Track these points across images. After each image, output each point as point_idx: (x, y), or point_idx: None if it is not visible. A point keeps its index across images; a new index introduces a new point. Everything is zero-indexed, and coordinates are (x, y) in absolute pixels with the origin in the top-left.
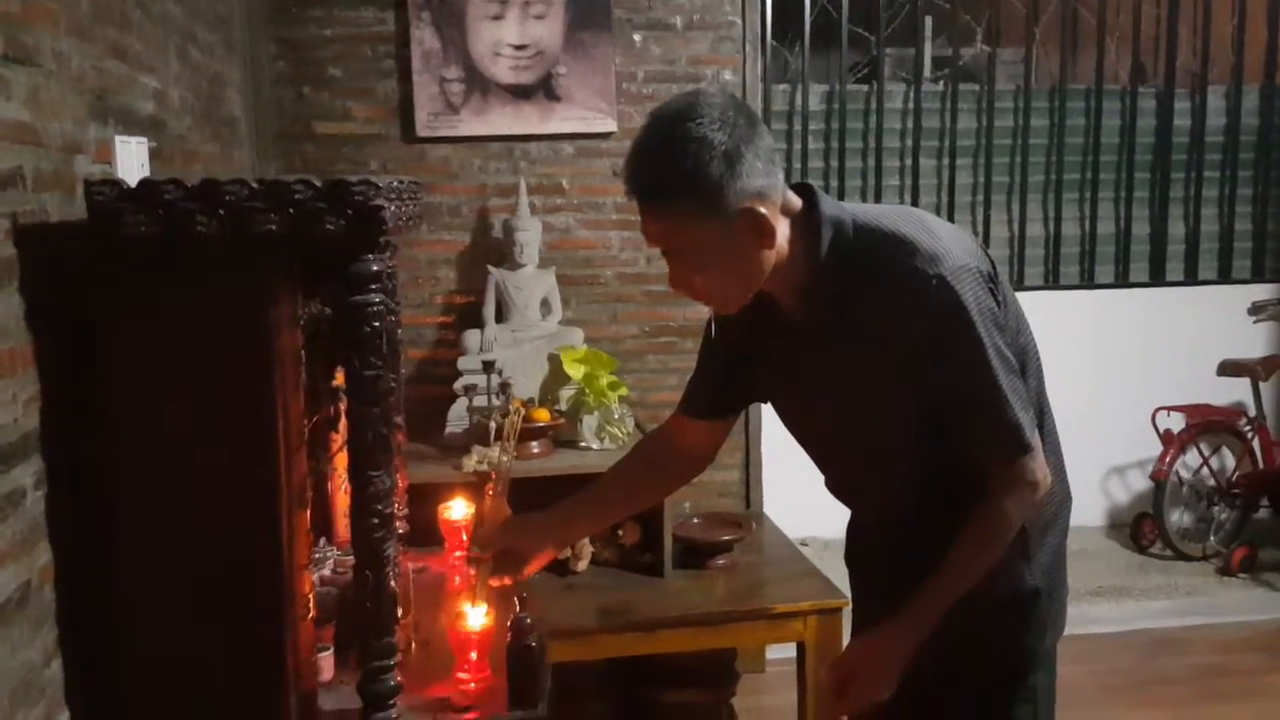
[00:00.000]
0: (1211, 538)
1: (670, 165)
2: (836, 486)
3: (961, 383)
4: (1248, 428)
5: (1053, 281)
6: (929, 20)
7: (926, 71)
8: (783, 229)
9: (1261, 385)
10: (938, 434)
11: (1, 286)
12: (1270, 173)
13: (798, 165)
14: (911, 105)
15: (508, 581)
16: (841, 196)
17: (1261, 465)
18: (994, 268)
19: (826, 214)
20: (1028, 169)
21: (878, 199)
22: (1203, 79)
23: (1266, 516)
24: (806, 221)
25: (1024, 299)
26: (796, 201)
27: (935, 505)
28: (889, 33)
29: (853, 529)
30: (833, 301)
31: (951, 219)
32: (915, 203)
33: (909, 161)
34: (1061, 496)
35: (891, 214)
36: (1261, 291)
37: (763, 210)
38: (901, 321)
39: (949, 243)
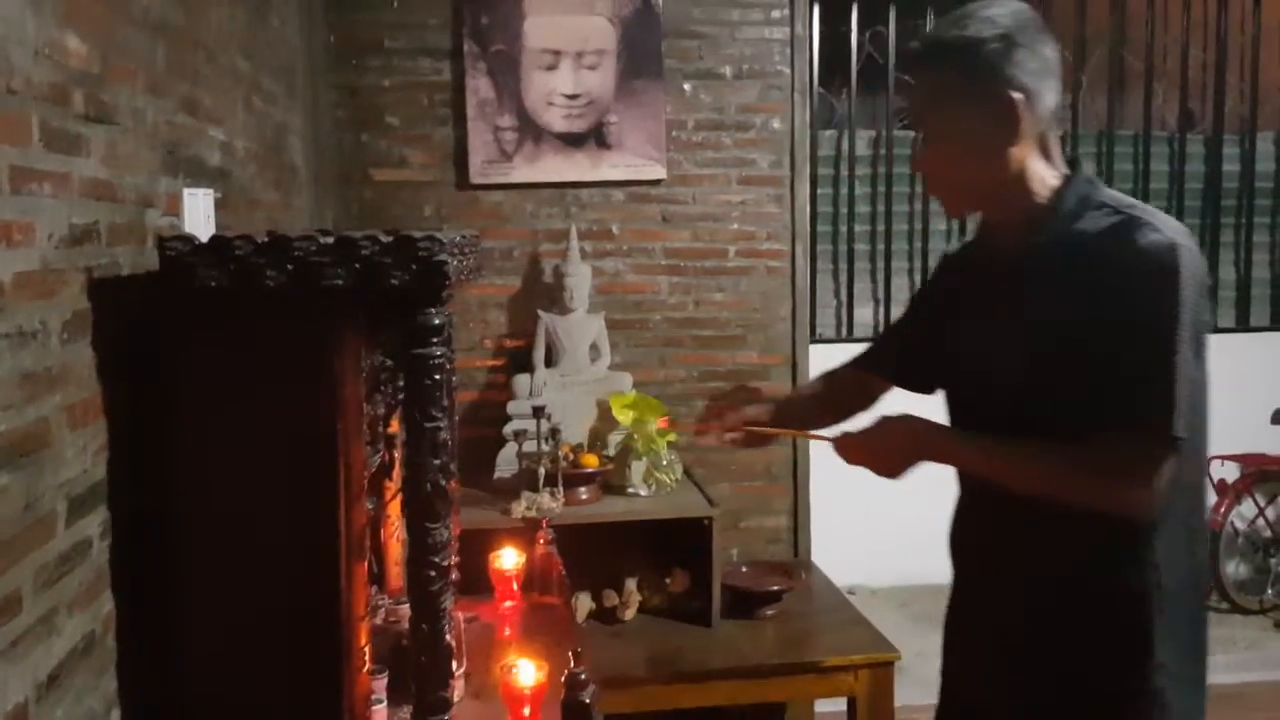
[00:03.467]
0: (1269, 590)
1: (953, 34)
2: None
3: (1139, 346)
4: None
5: None
6: None
7: None
8: (1031, 151)
9: None
10: (1095, 412)
11: (75, 340)
12: None
13: (844, 210)
14: None
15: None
16: (889, 241)
17: None
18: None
19: (1088, 173)
20: None
21: (925, 243)
22: (1252, 124)
23: None
24: (1062, 172)
25: None
26: (1056, 151)
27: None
28: None
29: (960, 513)
30: (1059, 241)
31: None
32: None
33: None
34: (1195, 570)
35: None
36: None
37: (1020, 105)
38: (1113, 274)
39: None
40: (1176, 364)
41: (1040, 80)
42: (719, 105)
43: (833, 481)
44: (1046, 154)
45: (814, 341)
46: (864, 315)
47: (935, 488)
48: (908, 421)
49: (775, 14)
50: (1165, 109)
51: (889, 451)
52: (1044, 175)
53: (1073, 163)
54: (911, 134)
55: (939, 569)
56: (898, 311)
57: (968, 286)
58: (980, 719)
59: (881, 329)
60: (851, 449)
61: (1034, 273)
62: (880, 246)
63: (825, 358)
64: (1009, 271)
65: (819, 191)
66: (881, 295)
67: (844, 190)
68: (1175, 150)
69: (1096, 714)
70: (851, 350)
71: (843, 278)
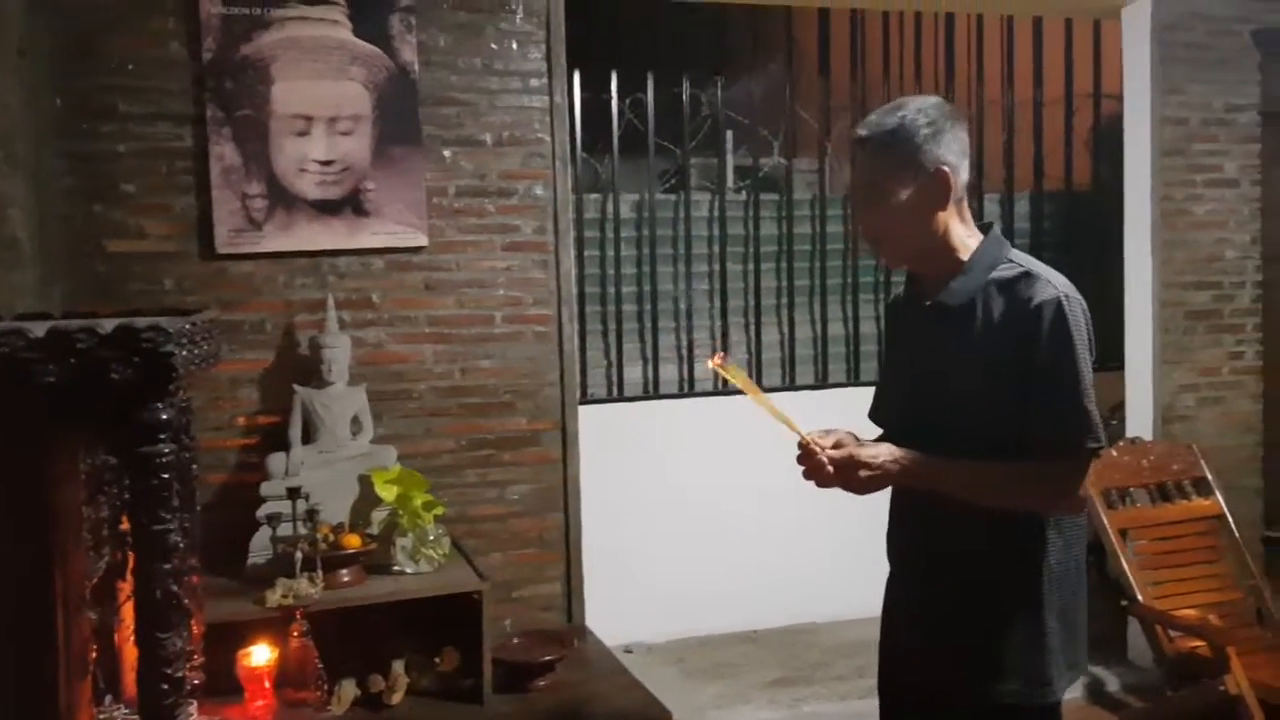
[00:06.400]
0: None
1: (892, 121)
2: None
3: (1049, 368)
4: None
5: (854, 379)
6: (730, 134)
7: (730, 181)
8: (954, 216)
9: None
10: (1010, 424)
11: None
12: None
13: (611, 271)
14: (717, 213)
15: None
16: (655, 301)
17: None
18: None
19: (997, 234)
20: (826, 272)
21: (688, 302)
22: (979, 187)
23: None
24: (979, 233)
25: (827, 395)
26: (969, 216)
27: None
28: (693, 145)
29: (894, 516)
30: (972, 291)
31: (759, 321)
32: (724, 305)
33: (716, 266)
34: (1074, 555)
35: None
36: None
37: (949, 177)
38: (1018, 320)
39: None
40: (1085, 391)
41: (960, 159)
42: (480, 172)
43: (607, 543)
44: (963, 219)
45: (584, 402)
46: (633, 374)
47: (703, 544)
48: (891, 451)
49: (534, 82)
50: None
51: (872, 476)
52: (963, 236)
53: (987, 227)
54: (673, 198)
55: (712, 621)
56: (666, 369)
57: (903, 330)
58: (916, 671)
59: (651, 388)
60: (843, 469)
61: (954, 314)
62: (647, 306)
63: (596, 419)
64: (935, 314)
65: (586, 254)
66: (650, 354)
67: (610, 252)
68: None
69: (1004, 653)
70: (622, 410)
71: (612, 338)
